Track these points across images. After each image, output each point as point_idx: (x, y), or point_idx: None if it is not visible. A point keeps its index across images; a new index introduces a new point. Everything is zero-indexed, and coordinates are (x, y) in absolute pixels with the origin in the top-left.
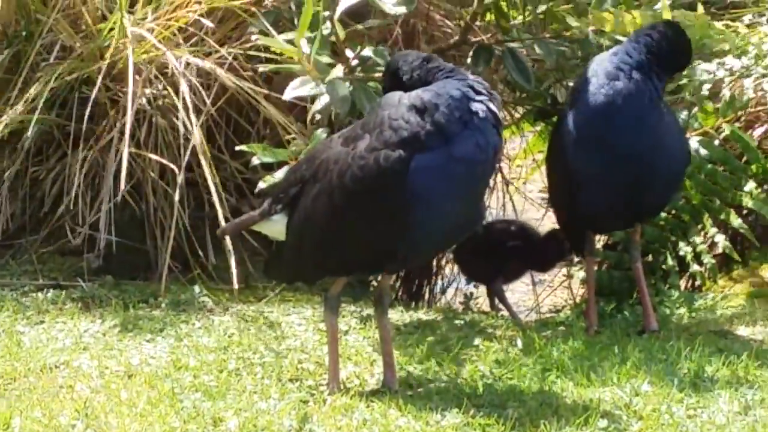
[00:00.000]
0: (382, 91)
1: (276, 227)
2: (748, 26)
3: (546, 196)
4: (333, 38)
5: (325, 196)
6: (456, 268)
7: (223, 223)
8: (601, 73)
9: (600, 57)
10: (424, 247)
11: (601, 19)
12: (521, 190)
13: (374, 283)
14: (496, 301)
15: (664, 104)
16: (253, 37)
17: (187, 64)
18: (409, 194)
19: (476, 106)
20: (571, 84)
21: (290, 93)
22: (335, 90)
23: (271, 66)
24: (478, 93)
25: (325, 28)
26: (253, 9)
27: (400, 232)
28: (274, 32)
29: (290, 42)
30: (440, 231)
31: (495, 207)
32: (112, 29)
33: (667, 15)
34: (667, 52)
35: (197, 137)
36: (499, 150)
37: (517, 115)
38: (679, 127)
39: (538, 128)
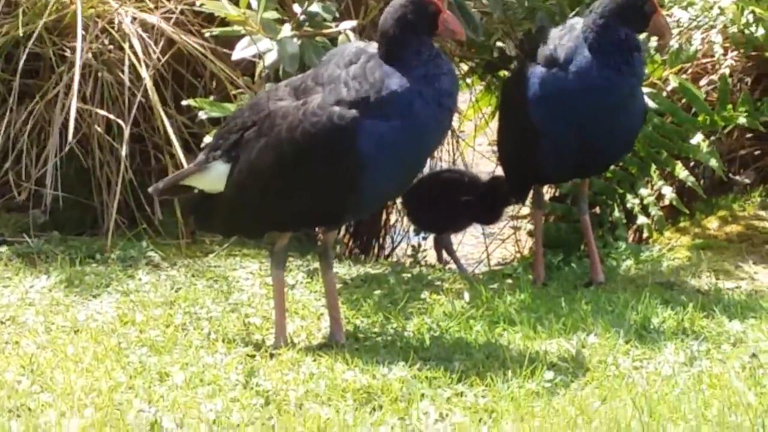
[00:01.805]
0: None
1: (213, 175)
2: None
3: (495, 149)
4: None
5: (272, 150)
6: (405, 221)
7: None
8: (584, 41)
9: (579, 21)
10: (371, 204)
11: None
12: (471, 144)
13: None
14: (444, 253)
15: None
16: (198, 2)
17: (134, 18)
18: (359, 156)
19: (440, 85)
20: (520, 36)
21: (238, 53)
22: (284, 48)
23: (218, 30)
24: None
25: None
26: None
27: (348, 190)
28: None
29: (235, 1)
30: (387, 189)
31: (446, 161)
32: None
33: None
34: (635, 14)
35: (149, 89)
36: (453, 115)
37: (465, 68)
38: (640, 88)
39: (486, 82)
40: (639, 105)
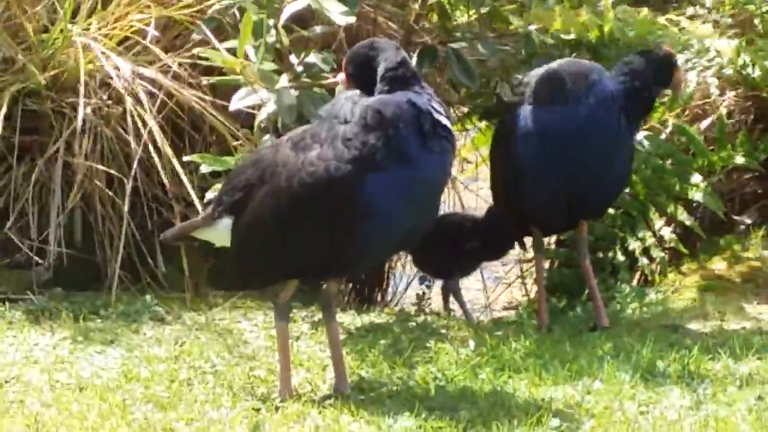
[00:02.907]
0: (350, 82)
1: (219, 232)
2: (690, 18)
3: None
4: (278, 45)
5: (272, 198)
6: (409, 268)
7: None
8: (600, 91)
9: (590, 67)
10: (371, 256)
11: (540, 17)
12: (469, 186)
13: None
14: (451, 299)
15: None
16: (197, 50)
17: (133, 72)
18: (359, 208)
19: (438, 128)
20: (517, 80)
21: (235, 104)
22: (282, 99)
23: (216, 78)
24: (438, 113)
25: (270, 36)
26: (196, 16)
27: (347, 242)
28: (215, 41)
29: (233, 52)
30: (389, 242)
31: (444, 203)
32: (55, 40)
33: (610, 13)
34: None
35: (150, 142)
36: (452, 164)
37: (460, 114)
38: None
39: (483, 124)
40: (632, 147)
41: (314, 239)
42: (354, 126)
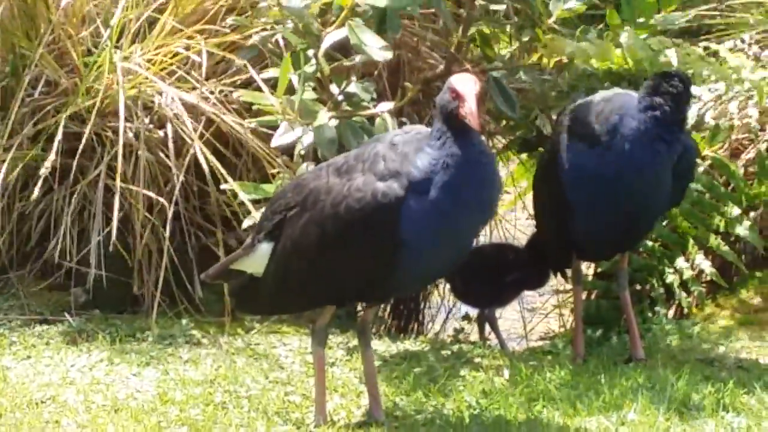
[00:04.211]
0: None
1: (259, 257)
2: (731, 51)
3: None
4: (318, 74)
5: (315, 226)
6: (445, 297)
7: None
8: (629, 125)
9: (623, 101)
10: (411, 283)
11: (579, 49)
12: (507, 217)
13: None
14: (486, 328)
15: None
16: (235, 95)
17: (174, 98)
18: (400, 235)
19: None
20: (554, 114)
21: (276, 140)
22: (322, 134)
23: (257, 119)
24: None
25: (310, 65)
26: (238, 42)
27: (388, 267)
28: (252, 71)
29: (272, 81)
30: (428, 270)
31: (483, 234)
32: (100, 65)
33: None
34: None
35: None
36: (494, 202)
37: (500, 146)
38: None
39: (523, 156)
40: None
41: (356, 265)
42: (398, 145)
